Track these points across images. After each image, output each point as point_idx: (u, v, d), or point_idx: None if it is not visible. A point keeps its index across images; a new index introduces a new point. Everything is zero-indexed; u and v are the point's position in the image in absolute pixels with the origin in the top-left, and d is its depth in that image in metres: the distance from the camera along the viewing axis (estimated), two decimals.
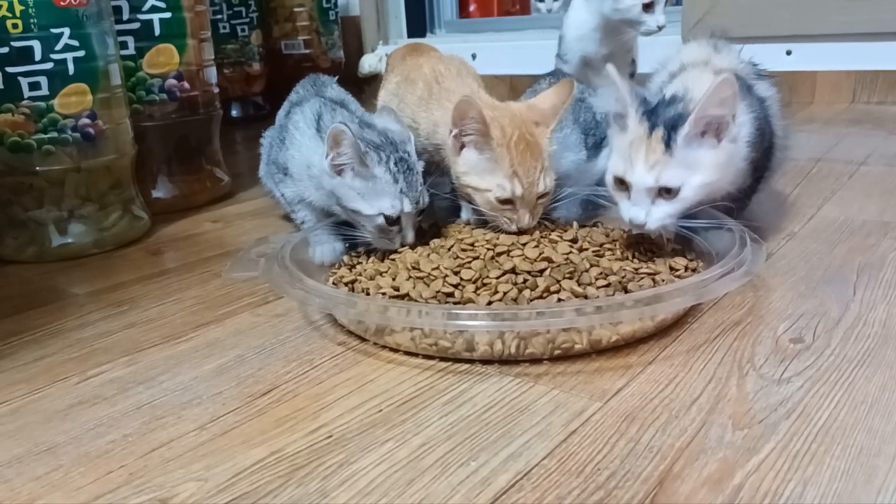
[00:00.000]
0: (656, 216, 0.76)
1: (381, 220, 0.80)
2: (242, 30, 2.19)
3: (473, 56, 2.36)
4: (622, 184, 0.77)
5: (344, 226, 0.87)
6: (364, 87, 2.37)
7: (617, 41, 1.47)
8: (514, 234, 0.81)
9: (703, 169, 0.75)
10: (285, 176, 0.94)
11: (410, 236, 0.82)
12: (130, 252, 1.11)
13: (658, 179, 0.74)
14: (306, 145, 0.89)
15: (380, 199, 0.80)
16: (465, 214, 0.90)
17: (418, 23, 2.65)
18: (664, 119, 0.75)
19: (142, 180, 1.23)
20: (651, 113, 0.76)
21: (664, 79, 0.89)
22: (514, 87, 1.98)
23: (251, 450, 0.57)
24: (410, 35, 2.62)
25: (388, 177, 0.80)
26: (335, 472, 0.54)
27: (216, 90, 1.39)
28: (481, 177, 0.82)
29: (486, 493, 0.50)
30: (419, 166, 0.84)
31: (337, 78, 1.07)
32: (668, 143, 0.74)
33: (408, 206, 0.80)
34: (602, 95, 1.11)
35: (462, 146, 0.83)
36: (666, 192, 0.75)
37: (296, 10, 2.33)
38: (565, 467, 0.53)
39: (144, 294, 0.92)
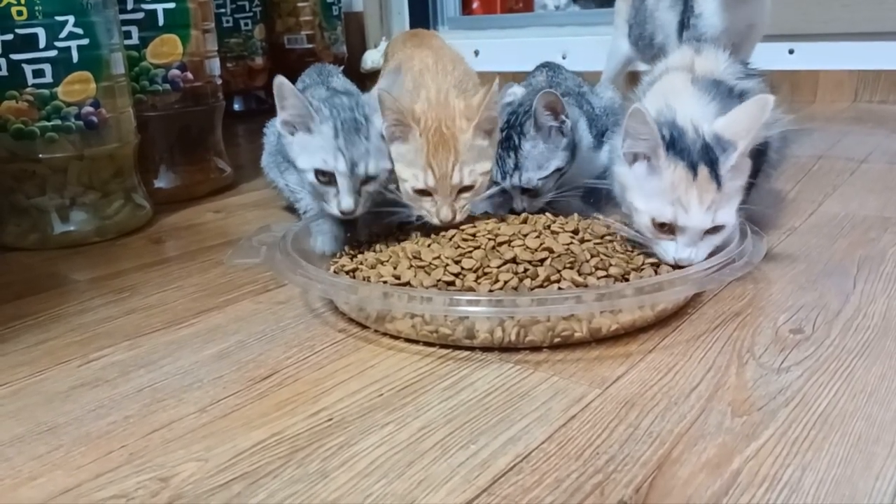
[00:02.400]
0: (704, 251, 0.74)
1: (311, 175, 0.79)
2: (246, 24, 2.19)
3: (476, 53, 2.36)
4: (663, 226, 0.74)
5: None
6: (366, 83, 2.37)
7: None
8: (439, 228, 0.81)
9: (737, 193, 0.74)
10: (290, 165, 0.93)
11: (346, 202, 0.79)
12: (132, 240, 1.11)
13: (715, 219, 0.72)
14: None
15: (316, 153, 0.78)
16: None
17: (421, 19, 2.65)
18: (698, 154, 0.72)
19: (144, 170, 1.23)
20: (677, 150, 0.73)
21: (647, 81, 0.89)
22: (516, 83, 1.99)
23: (252, 431, 0.57)
24: None
25: (329, 132, 0.78)
26: (335, 454, 0.54)
27: (219, 81, 1.39)
28: (404, 167, 0.82)
29: (486, 475, 0.51)
30: (375, 133, 0.80)
31: (342, 68, 1.07)
32: (718, 181, 0.71)
33: (341, 165, 0.78)
34: (603, 88, 1.11)
35: (393, 139, 0.82)
36: (714, 228, 0.73)
37: (299, 4, 2.33)
38: (564, 451, 0.53)
39: (146, 281, 0.93)
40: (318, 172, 0.79)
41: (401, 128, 0.81)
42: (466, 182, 0.80)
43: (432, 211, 0.81)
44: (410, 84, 0.93)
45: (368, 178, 0.80)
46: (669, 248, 0.74)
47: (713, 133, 0.73)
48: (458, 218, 0.81)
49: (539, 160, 0.89)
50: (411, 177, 0.81)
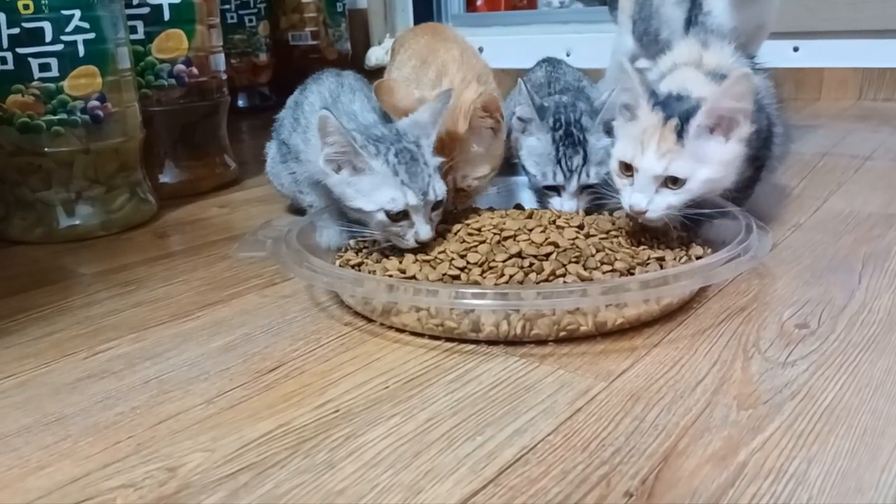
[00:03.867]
0: (658, 205, 0.76)
1: (381, 215, 0.76)
2: (250, 20, 2.19)
3: (481, 49, 2.36)
4: (627, 169, 0.77)
5: (355, 223, 0.81)
6: (370, 80, 2.37)
7: None
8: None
9: (711, 164, 0.75)
10: (297, 160, 0.93)
11: (424, 231, 0.76)
12: (137, 235, 1.11)
13: (667, 168, 0.74)
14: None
15: (379, 193, 0.75)
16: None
17: (425, 16, 2.65)
18: (678, 111, 0.75)
19: (149, 165, 1.23)
20: (663, 105, 0.76)
21: (655, 77, 0.89)
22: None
23: (258, 423, 0.58)
24: None
25: (385, 169, 0.75)
26: (342, 445, 0.54)
27: (224, 76, 1.39)
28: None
29: (492, 466, 0.51)
30: (430, 157, 0.79)
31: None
32: (680, 134, 0.74)
33: (412, 199, 0.75)
34: (601, 88, 1.11)
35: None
36: (672, 182, 0.75)
37: (303, 1, 2.33)
38: (570, 443, 0.53)
39: (151, 275, 0.93)
40: (389, 213, 0.75)
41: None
42: (460, 185, 0.83)
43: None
44: (434, 74, 0.93)
45: (437, 203, 0.78)
46: (627, 195, 0.77)
47: (703, 98, 0.76)
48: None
49: (602, 155, 0.88)
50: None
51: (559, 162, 0.87)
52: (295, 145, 0.92)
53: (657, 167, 0.74)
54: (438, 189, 0.78)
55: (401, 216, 0.76)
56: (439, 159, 0.80)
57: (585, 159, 0.88)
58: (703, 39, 0.92)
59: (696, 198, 0.76)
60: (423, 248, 0.78)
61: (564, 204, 0.89)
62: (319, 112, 0.75)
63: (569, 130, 0.88)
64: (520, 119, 0.90)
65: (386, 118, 0.85)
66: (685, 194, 0.76)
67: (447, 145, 0.81)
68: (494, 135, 0.87)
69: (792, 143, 0.97)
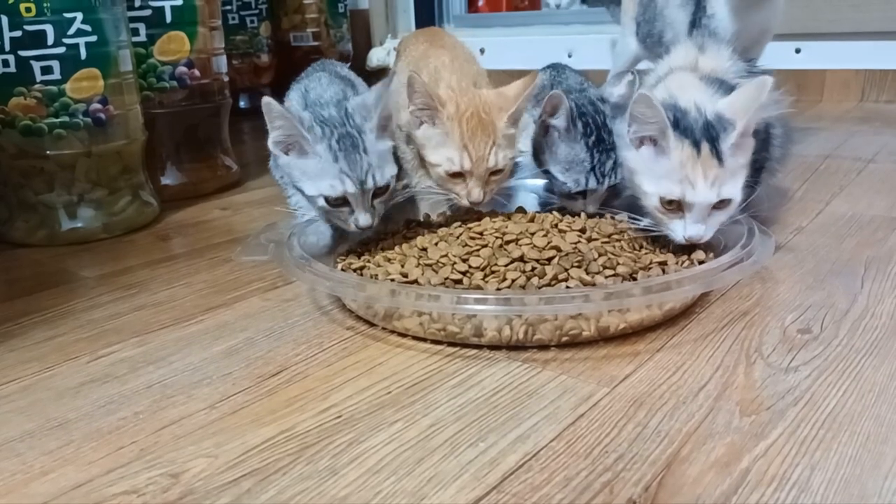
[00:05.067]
0: (712, 227, 0.76)
1: (322, 201, 0.78)
2: (251, 21, 2.19)
3: (482, 51, 2.36)
4: (671, 204, 0.76)
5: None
6: (372, 81, 2.37)
7: None
8: (466, 209, 0.84)
9: (741, 170, 0.76)
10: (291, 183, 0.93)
11: (363, 219, 0.78)
12: (139, 237, 1.12)
13: (720, 194, 0.74)
14: None
15: (320, 179, 0.77)
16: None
17: (427, 17, 2.65)
18: (700, 132, 0.74)
19: (151, 167, 1.24)
20: (682, 129, 0.75)
21: (652, 82, 0.89)
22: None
23: (261, 428, 0.58)
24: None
25: (328, 155, 0.76)
26: (345, 451, 0.54)
27: (226, 78, 1.40)
28: (435, 150, 0.84)
29: (495, 473, 0.51)
30: (372, 143, 0.78)
31: (349, 65, 1.07)
32: (719, 157, 0.74)
33: (350, 187, 0.76)
34: (612, 85, 1.11)
35: (420, 122, 0.85)
36: (720, 203, 0.75)
37: (305, 2, 2.33)
38: (573, 449, 0.53)
39: (154, 278, 0.93)
40: (328, 199, 0.78)
41: (429, 112, 0.83)
42: (500, 165, 0.83)
43: (462, 193, 0.84)
44: (427, 79, 0.93)
45: (378, 191, 0.79)
46: (678, 227, 0.76)
47: (715, 113, 0.76)
48: (486, 199, 0.84)
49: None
50: (445, 161, 0.83)
51: (593, 169, 0.87)
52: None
53: (712, 196, 0.74)
54: (379, 176, 0.78)
55: (340, 202, 0.78)
56: (389, 143, 0.81)
57: (616, 162, 0.88)
58: (700, 43, 0.92)
59: (739, 208, 0.77)
60: (425, 252, 0.78)
61: (589, 206, 0.90)
62: (263, 100, 0.76)
63: (600, 136, 0.88)
64: (552, 126, 0.90)
65: (338, 100, 0.84)
66: (732, 208, 0.76)
67: (487, 126, 0.83)
68: (516, 124, 0.87)
69: (793, 144, 0.97)
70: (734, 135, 0.74)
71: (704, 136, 0.74)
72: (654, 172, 0.77)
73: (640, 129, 0.77)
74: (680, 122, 0.76)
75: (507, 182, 0.89)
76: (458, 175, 0.84)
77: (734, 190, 0.75)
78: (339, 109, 0.80)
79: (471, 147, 0.82)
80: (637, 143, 0.78)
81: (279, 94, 1.00)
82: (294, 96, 0.91)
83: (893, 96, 1.87)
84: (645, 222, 0.80)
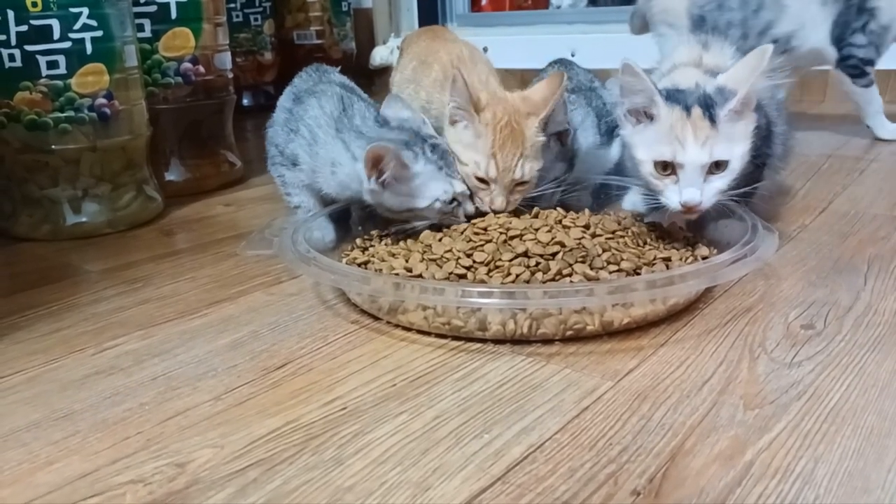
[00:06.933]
0: (710, 193, 0.76)
1: (437, 205, 0.81)
2: (255, 19, 2.20)
3: (485, 49, 2.35)
4: (665, 168, 0.77)
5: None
6: (374, 79, 2.38)
7: None
8: (488, 214, 0.83)
9: (742, 139, 0.77)
10: (293, 165, 0.94)
11: (470, 206, 0.83)
12: (143, 232, 1.12)
13: (712, 154, 0.75)
14: (330, 144, 0.88)
15: (429, 190, 0.80)
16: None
17: (430, 16, 2.65)
18: (693, 100, 0.76)
19: (155, 163, 1.24)
20: (674, 99, 0.77)
21: (656, 79, 0.89)
22: (525, 81, 1.98)
23: (266, 419, 0.58)
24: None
25: (429, 168, 0.81)
26: (350, 442, 0.54)
27: (230, 75, 1.40)
28: (465, 150, 0.84)
29: (500, 464, 0.51)
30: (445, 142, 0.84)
31: (339, 68, 1.05)
32: (712, 119, 0.75)
33: (458, 187, 0.81)
34: (611, 86, 1.12)
35: (455, 121, 0.85)
36: (715, 167, 0.76)
37: (308, 0, 2.34)
38: (578, 441, 0.53)
39: (158, 272, 0.93)
40: (442, 203, 0.81)
41: (464, 112, 0.83)
42: (527, 178, 0.83)
43: (486, 200, 0.84)
44: (440, 74, 0.93)
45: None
46: (674, 193, 0.77)
47: (716, 86, 0.77)
48: (509, 208, 0.84)
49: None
50: (472, 163, 0.83)
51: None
52: (293, 154, 0.93)
53: (703, 156, 0.75)
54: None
55: (451, 202, 0.82)
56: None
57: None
58: (704, 40, 0.93)
59: (737, 177, 0.77)
60: (429, 247, 0.78)
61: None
62: (371, 149, 0.77)
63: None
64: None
65: (384, 121, 0.87)
66: (730, 174, 0.77)
67: (517, 136, 0.83)
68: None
69: (795, 142, 0.97)
70: (735, 100, 0.74)
71: (697, 102, 0.75)
72: (647, 140, 0.78)
73: (631, 100, 0.78)
74: (672, 94, 0.77)
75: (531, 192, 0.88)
76: (483, 181, 0.83)
77: (729, 152, 0.75)
78: (400, 129, 0.84)
79: (499, 156, 0.82)
80: (633, 119, 0.79)
81: (281, 92, 1.00)
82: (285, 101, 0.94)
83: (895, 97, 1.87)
84: (646, 202, 0.81)
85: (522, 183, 0.84)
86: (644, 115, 0.79)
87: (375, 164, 0.78)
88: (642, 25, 1.62)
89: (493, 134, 0.82)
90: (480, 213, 0.84)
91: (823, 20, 1.44)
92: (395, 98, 0.92)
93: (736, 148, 0.76)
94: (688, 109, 0.75)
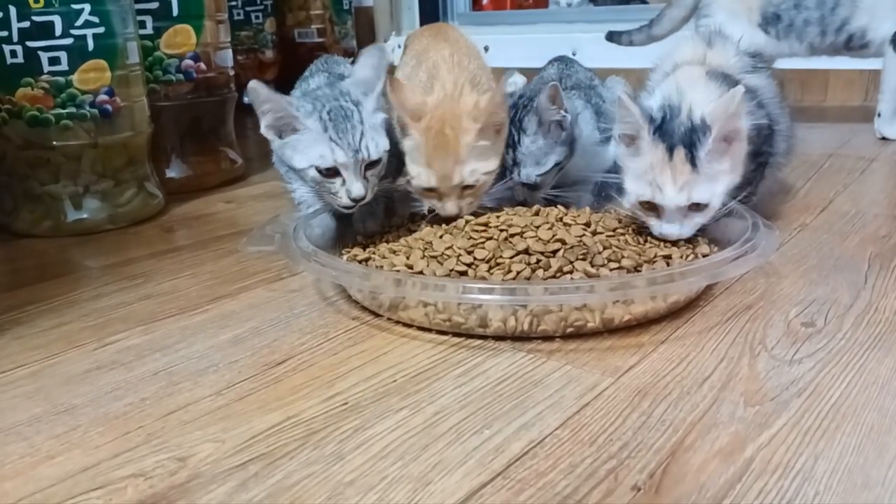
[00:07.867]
0: (689, 229, 0.77)
1: (313, 172, 0.77)
2: (256, 17, 2.20)
3: (486, 48, 2.36)
4: (649, 205, 0.77)
5: None
6: None
7: None
8: (444, 221, 0.82)
9: (724, 175, 0.76)
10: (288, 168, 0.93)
11: (356, 188, 0.77)
12: (144, 229, 1.12)
13: (690, 198, 0.75)
14: None
15: (310, 149, 0.76)
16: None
17: (431, 14, 2.65)
18: (679, 137, 0.75)
19: (156, 160, 1.24)
20: (662, 132, 0.76)
21: (659, 77, 0.89)
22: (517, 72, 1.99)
23: (267, 414, 0.58)
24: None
25: (318, 126, 0.76)
26: (351, 437, 0.54)
27: (232, 72, 1.40)
28: (409, 162, 0.83)
29: (500, 459, 0.51)
30: (369, 115, 0.79)
31: (351, 60, 1.06)
32: (693, 162, 0.74)
33: (341, 156, 0.76)
34: (611, 86, 1.12)
35: (401, 132, 0.84)
36: (696, 206, 0.76)
37: None
38: (578, 437, 0.53)
39: (159, 269, 0.93)
40: (319, 169, 0.77)
41: (405, 122, 0.82)
42: (468, 181, 0.81)
43: (438, 207, 0.83)
44: (425, 76, 0.93)
45: (371, 163, 0.78)
46: (655, 225, 0.78)
47: (702, 117, 0.76)
48: (465, 213, 0.82)
49: (537, 156, 0.89)
50: (416, 174, 0.82)
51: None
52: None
53: (680, 200, 0.75)
54: (372, 147, 0.77)
55: (332, 173, 0.77)
56: (381, 116, 0.80)
57: (515, 161, 0.89)
58: (708, 38, 0.93)
59: (721, 209, 0.77)
60: (430, 244, 0.78)
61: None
62: (249, 84, 0.75)
63: (508, 130, 0.88)
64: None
65: (339, 77, 0.85)
66: (710, 211, 0.77)
67: (451, 142, 0.81)
68: (498, 133, 0.87)
69: (796, 141, 0.97)
70: (709, 141, 0.74)
71: (682, 140, 0.75)
72: (633, 171, 0.78)
73: (623, 127, 0.78)
74: (663, 125, 0.76)
75: (492, 193, 0.86)
76: (430, 189, 0.82)
77: (708, 195, 0.75)
78: (332, 89, 0.80)
79: (435, 164, 0.80)
80: (626, 140, 0.79)
81: (283, 91, 1.00)
82: (296, 94, 0.91)
83: None
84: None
85: (469, 187, 0.82)
86: (634, 142, 0.78)
87: (256, 103, 0.76)
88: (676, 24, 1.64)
89: (427, 142, 0.80)
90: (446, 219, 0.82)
91: (893, 9, 1.46)
92: (376, 49, 0.87)
93: (718, 186, 0.76)
94: (671, 151, 0.75)
